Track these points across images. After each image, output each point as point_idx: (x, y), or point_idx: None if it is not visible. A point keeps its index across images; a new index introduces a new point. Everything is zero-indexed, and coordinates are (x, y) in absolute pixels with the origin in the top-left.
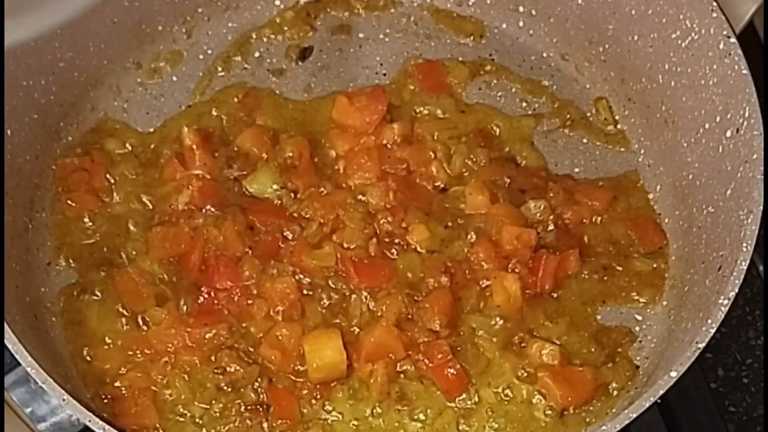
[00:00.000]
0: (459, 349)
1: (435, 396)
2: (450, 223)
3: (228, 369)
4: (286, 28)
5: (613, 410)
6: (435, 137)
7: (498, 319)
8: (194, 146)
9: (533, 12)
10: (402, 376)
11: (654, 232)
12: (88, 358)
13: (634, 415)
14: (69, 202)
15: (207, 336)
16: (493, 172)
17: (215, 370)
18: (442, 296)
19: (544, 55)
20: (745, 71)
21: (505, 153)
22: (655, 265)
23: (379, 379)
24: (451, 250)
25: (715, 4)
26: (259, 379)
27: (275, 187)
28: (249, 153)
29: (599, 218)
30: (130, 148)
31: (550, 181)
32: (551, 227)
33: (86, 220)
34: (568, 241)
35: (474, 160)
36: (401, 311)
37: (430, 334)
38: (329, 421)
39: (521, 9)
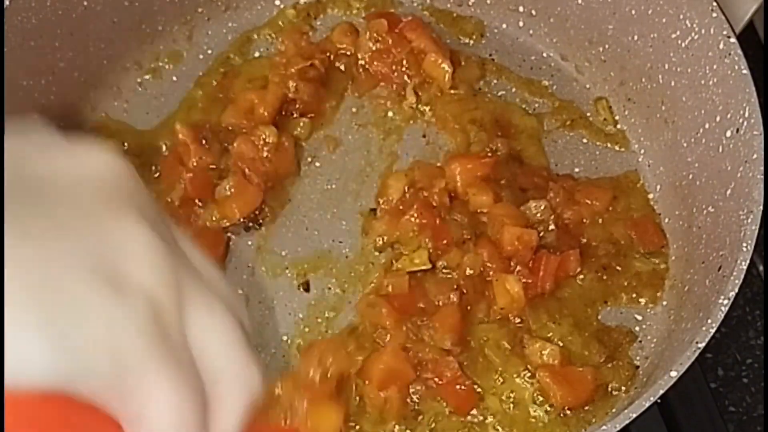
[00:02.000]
0: (465, 364)
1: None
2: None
3: None
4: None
5: (613, 410)
6: (454, 118)
7: (502, 322)
8: (188, 141)
9: (533, 12)
10: (416, 396)
11: (654, 233)
12: None
13: (634, 415)
14: None
15: None
16: (498, 169)
17: None
18: (451, 314)
19: (544, 55)
20: (745, 71)
21: (513, 150)
22: (655, 265)
23: (394, 404)
24: (462, 267)
25: (715, 4)
26: None
27: None
28: (235, 128)
29: (599, 218)
30: (129, 148)
31: (550, 180)
32: (552, 227)
33: None
34: (569, 241)
35: (492, 150)
36: (408, 337)
37: (440, 352)
38: None
39: (521, 9)
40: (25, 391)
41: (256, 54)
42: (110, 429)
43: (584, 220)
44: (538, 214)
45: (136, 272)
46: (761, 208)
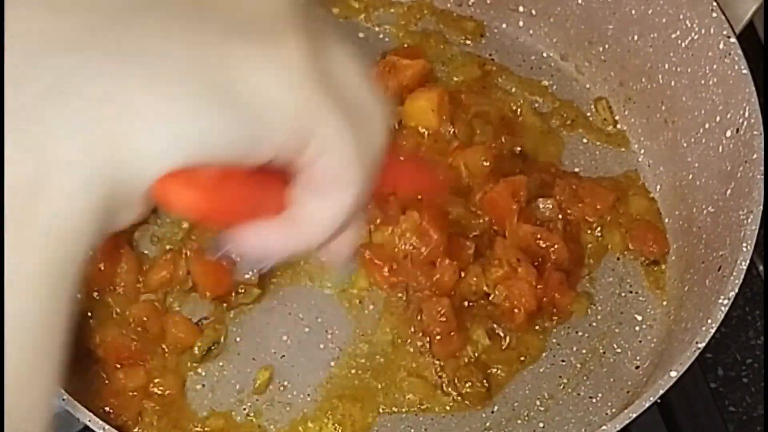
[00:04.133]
0: None
1: None
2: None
3: None
4: None
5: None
6: (460, 113)
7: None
8: None
9: (533, 12)
10: None
11: (655, 240)
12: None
13: (634, 415)
14: None
15: None
16: (502, 164)
17: None
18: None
19: (544, 55)
20: (745, 71)
21: (517, 147)
22: (654, 267)
23: None
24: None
25: (715, 4)
26: None
27: None
28: None
29: (602, 220)
30: None
31: (557, 177)
32: (560, 226)
33: None
34: (572, 238)
35: (496, 147)
36: None
37: None
38: None
39: (521, 9)
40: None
41: None
42: (280, 188)
43: (587, 218)
44: (546, 213)
45: None
46: (761, 208)
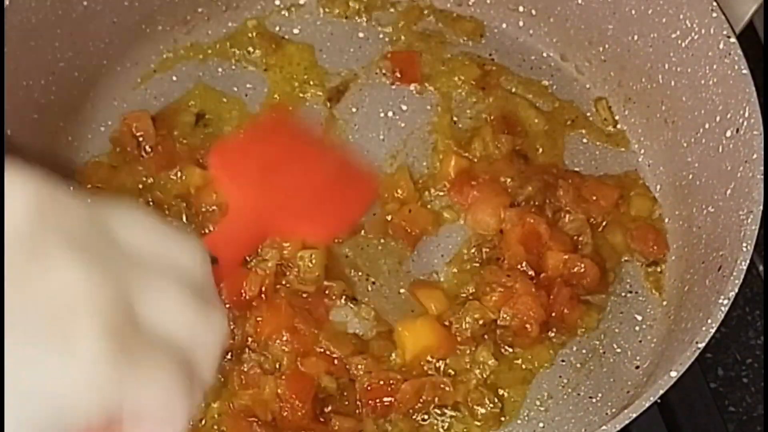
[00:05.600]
0: None
1: None
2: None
3: None
4: None
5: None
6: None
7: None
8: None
9: (533, 12)
10: None
11: (654, 241)
12: None
13: (634, 415)
14: None
15: None
16: (503, 167)
17: None
18: None
19: (544, 55)
20: (745, 71)
21: (517, 147)
22: (654, 267)
23: None
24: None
25: (715, 4)
26: None
27: None
28: None
29: (606, 217)
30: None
31: (560, 178)
32: (588, 240)
33: None
34: (599, 257)
35: (497, 146)
36: None
37: None
38: None
39: (521, 9)
40: None
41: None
42: None
43: (591, 219)
44: (574, 229)
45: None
46: (761, 208)
